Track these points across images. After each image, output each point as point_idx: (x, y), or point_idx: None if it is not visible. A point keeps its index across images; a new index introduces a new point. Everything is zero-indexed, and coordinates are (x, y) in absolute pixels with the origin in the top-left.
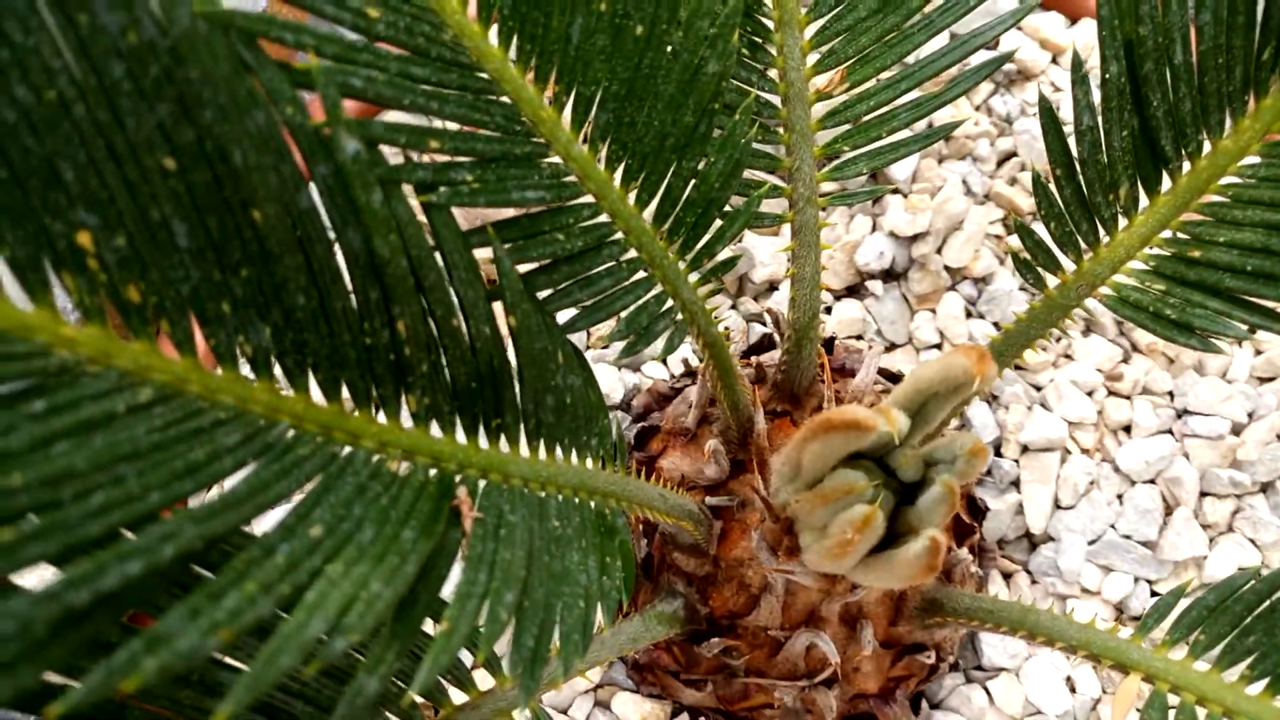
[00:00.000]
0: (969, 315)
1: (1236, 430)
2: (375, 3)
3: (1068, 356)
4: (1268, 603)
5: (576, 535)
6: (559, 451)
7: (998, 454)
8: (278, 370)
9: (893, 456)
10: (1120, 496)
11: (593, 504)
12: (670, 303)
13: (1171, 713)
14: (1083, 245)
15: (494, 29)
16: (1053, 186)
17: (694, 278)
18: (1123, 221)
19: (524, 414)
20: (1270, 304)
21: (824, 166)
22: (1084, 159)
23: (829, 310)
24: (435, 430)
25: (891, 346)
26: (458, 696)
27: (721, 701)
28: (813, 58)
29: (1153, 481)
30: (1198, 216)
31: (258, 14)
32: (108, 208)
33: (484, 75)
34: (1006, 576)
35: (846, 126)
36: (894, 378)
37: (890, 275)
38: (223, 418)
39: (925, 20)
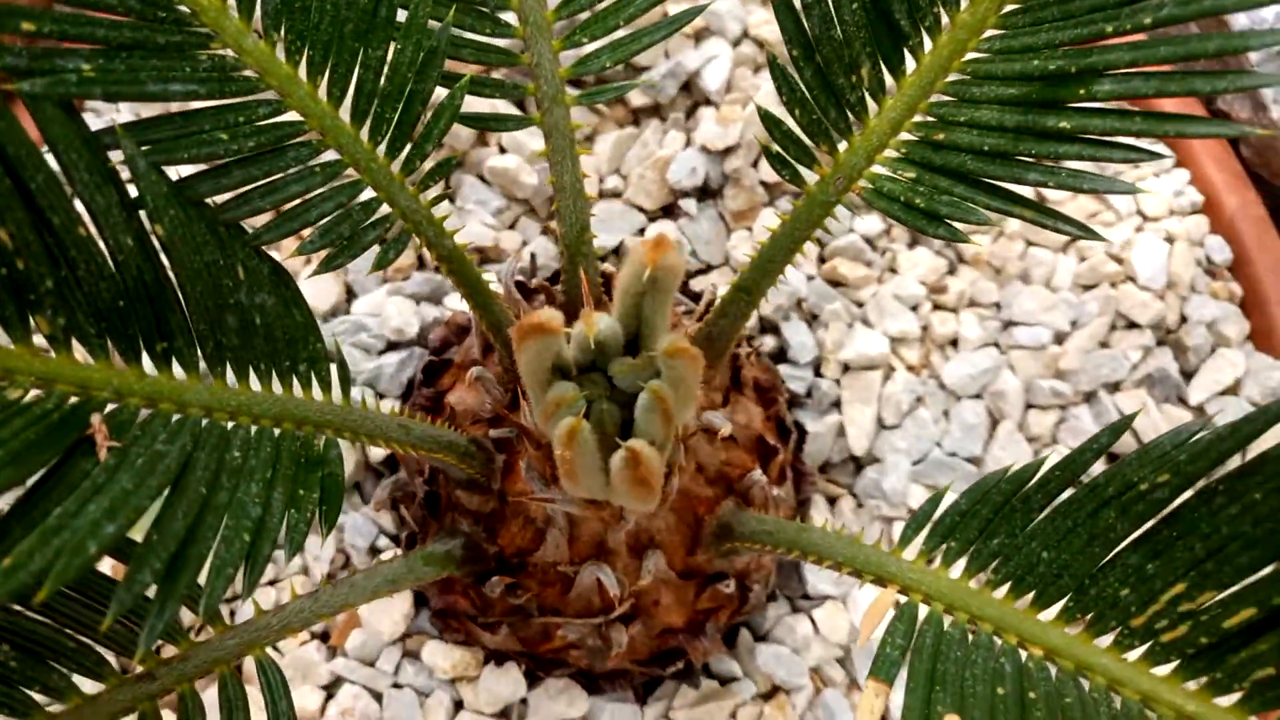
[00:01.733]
0: None
1: (1059, 339)
2: None
3: (892, 270)
4: (1010, 503)
5: (262, 467)
6: (254, 379)
7: (817, 374)
8: None
9: (612, 367)
10: (946, 413)
11: (300, 434)
12: (385, 209)
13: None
14: (834, 135)
15: None
16: (792, 69)
17: (411, 184)
18: (873, 107)
19: (198, 336)
20: (1012, 186)
21: (568, 64)
22: (817, 35)
23: (642, 232)
24: (85, 356)
25: (708, 268)
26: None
27: (523, 644)
28: None
29: (978, 396)
30: (944, 97)
31: None
32: None
33: None
34: (831, 501)
35: (585, 15)
36: (696, 297)
37: (705, 193)
38: None
39: None
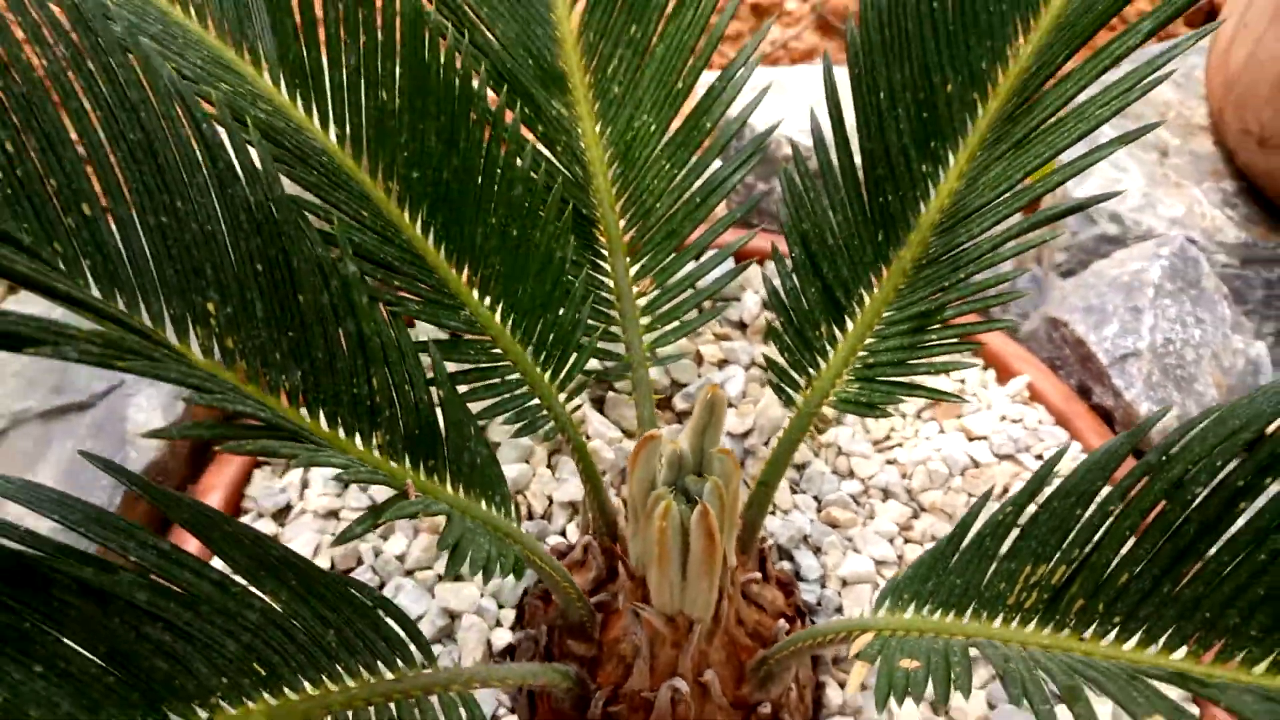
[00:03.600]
0: (793, 491)
1: None
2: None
3: (871, 516)
4: (937, 560)
5: (484, 533)
6: (474, 496)
7: (823, 587)
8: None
9: (686, 483)
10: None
11: (495, 535)
12: (545, 411)
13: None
14: (809, 369)
15: (430, 234)
16: (780, 327)
17: (562, 397)
18: (830, 351)
19: (449, 461)
20: (909, 379)
21: (648, 341)
22: (792, 307)
23: None
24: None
25: None
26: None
27: None
28: (634, 269)
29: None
30: (870, 339)
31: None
32: (223, 289)
33: (430, 269)
34: (841, 687)
35: (658, 312)
36: None
37: None
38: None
39: (697, 245)
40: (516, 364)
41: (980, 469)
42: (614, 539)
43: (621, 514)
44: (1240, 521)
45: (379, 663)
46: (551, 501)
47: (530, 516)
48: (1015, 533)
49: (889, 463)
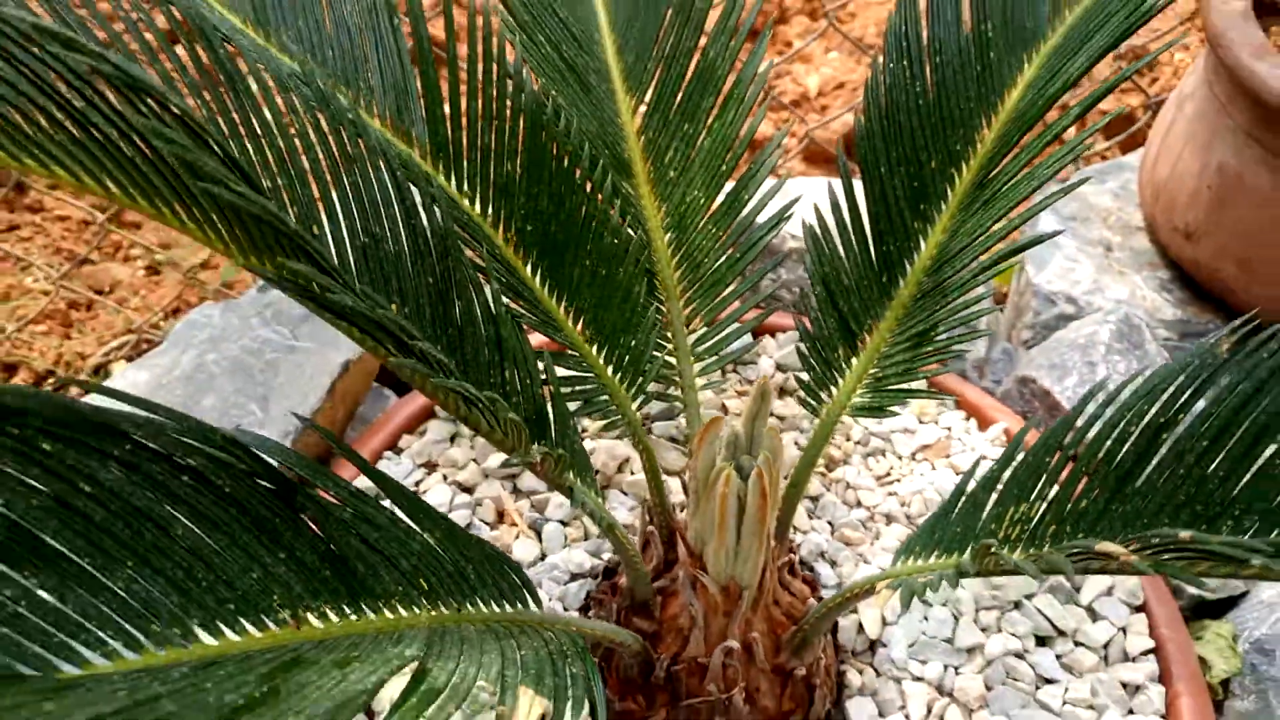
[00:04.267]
0: (810, 517)
1: None
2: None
3: (877, 536)
4: (941, 516)
5: (590, 500)
6: (575, 472)
7: (839, 589)
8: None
9: (740, 462)
10: (925, 616)
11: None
12: (620, 415)
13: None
14: (830, 385)
15: (538, 275)
16: (806, 351)
17: (634, 406)
18: (847, 369)
19: (555, 444)
20: (906, 386)
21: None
22: (816, 335)
23: None
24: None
25: None
26: None
27: None
28: (686, 311)
29: (945, 604)
30: (874, 368)
31: None
32: (403, 296)
33: (537, 300)
34: (859, 671)
35: (704, 345)
36: None
37: None
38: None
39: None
40: (599, 376)
41: None
42: (670, 532)
43: (677, 509)
44: (1163, 450)
45: (503, 599)
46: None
47: (586, 537)
48: (1000, 486)
49: (890, 494)
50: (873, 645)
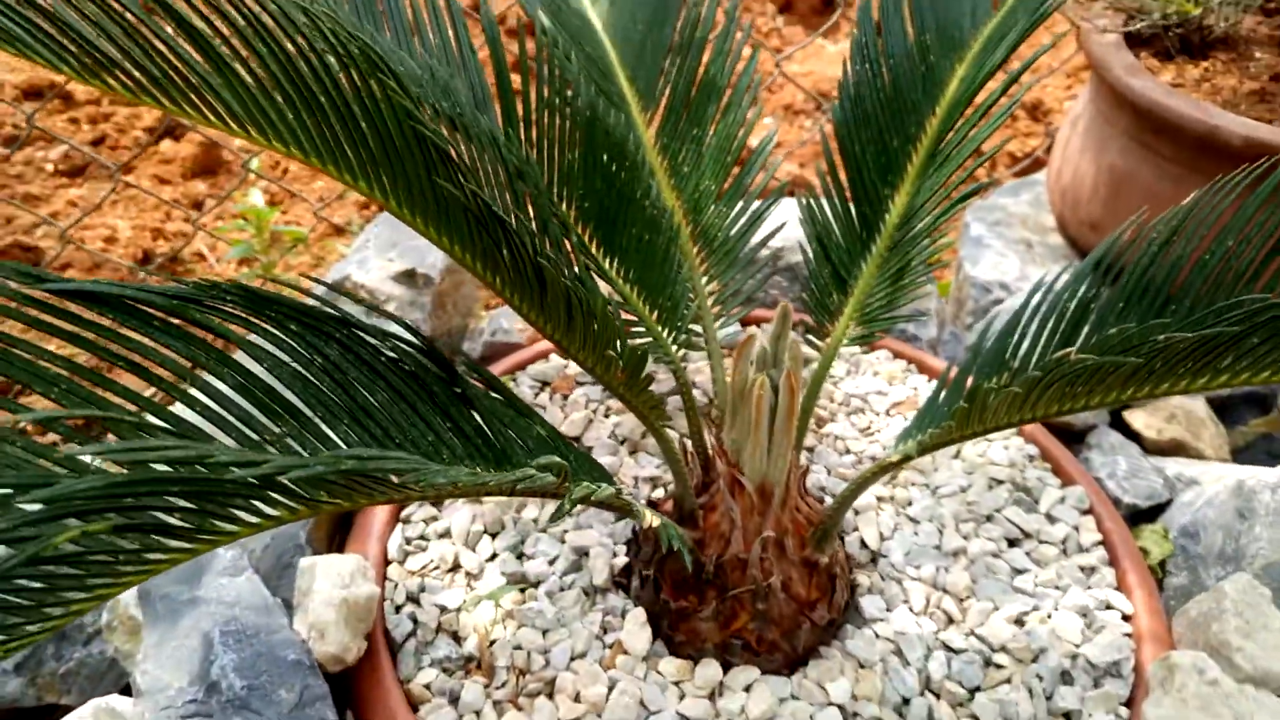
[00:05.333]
0: (810, 463)
1: (965, 490)
2: None
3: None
4: (930, 404)
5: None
6: (646, 394)
7: None
8: None
9: (769, 374)
10: (915, 531)
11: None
12: (664, 356)
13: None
14: (828, 321)
15: (594, 242)
16: (808, 298)
17: (674, 348)
18: (841, 310)
19: (631, 376)
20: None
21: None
22: (816, 283)
23: None
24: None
25: None
26: None
27: (721, 626)
28: (704, 278)
29: (931, 520)
30: (867, 299)
31: None
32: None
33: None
34: (867, 577)
35: (720, 305)
36: None
37: None
38: None
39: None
40: (643, 322)
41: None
42: (707, 457)
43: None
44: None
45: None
46: (637, 481)
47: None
48: (973, 372)
49: (872, 442)
50: (875, 558)
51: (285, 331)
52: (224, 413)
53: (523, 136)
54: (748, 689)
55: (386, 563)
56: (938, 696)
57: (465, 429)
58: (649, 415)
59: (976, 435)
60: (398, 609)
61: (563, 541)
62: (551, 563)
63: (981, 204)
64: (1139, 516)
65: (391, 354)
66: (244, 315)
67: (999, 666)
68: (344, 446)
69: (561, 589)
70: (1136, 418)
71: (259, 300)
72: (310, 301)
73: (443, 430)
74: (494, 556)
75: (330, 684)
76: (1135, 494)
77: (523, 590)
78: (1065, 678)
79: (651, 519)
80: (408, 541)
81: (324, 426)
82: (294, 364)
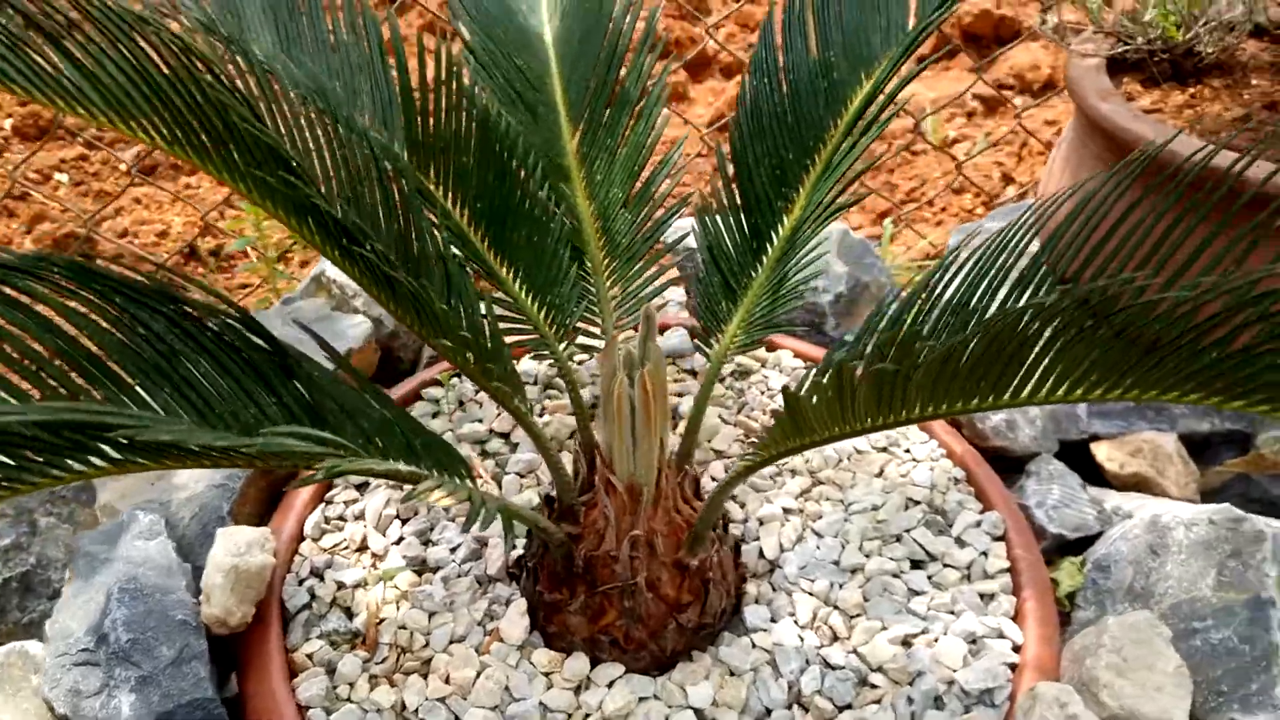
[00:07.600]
0: (726, 471)
1: (876, 508)
2: None
3: (782, 486)
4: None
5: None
6: (511, 390)
7: (745, 522)
8: None
9: (635, 376)
10: (817, 546)
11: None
12: (549, 353)
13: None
14: (718, 331)
15: (485, 241)
16: (698, 305)
17: (561, 346)
18: (730, 317)
19: (497, 366)
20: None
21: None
22: (705, 290)
23: None
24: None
25: None
26: None
27: (590, 620)
28: (608, 281)
29: (836, 536)
30: (753, 307)
31: None
32: (378, 235)
33: (484, 261)
34: (757, 587)
35: (623, 307)
36: None
37: None
38: None
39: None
40: (531, 320)
41: (863, 455)
42: (592, 454)
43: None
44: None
45: (445, 471)
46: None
47: (538, 483)
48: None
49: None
50: (772, 568)
51: (109, 304)
52: (43, 374)
53: (420, 137)
54: (610, 685)
55: (301, 539)
56: (805, 710)
57: (290, 405)
58: (510, 403)
59: (803, 448)
60: (301, 582)
61: (467, 531)
62: (454, 550)
63: (967, 226)
64: (1067, 548)
65: (215, 328)
66: (70, 287)
67: (873, 686)
68: (162, 414)
69: (459, 575)
70: (1100, 449)
71: (85, 274)
72: (138, 279)
73: (266, 404)
74: (400, 540)
75: (221, 647)
76: (1063, 524)
77: (419, 573)
78: (937, 702)
79: (441, 497)
80: (326, 521)
81: (144, 394)
82: (118, 334)
